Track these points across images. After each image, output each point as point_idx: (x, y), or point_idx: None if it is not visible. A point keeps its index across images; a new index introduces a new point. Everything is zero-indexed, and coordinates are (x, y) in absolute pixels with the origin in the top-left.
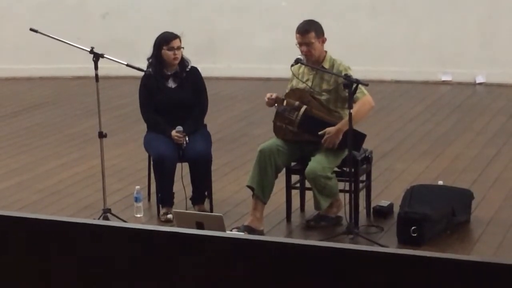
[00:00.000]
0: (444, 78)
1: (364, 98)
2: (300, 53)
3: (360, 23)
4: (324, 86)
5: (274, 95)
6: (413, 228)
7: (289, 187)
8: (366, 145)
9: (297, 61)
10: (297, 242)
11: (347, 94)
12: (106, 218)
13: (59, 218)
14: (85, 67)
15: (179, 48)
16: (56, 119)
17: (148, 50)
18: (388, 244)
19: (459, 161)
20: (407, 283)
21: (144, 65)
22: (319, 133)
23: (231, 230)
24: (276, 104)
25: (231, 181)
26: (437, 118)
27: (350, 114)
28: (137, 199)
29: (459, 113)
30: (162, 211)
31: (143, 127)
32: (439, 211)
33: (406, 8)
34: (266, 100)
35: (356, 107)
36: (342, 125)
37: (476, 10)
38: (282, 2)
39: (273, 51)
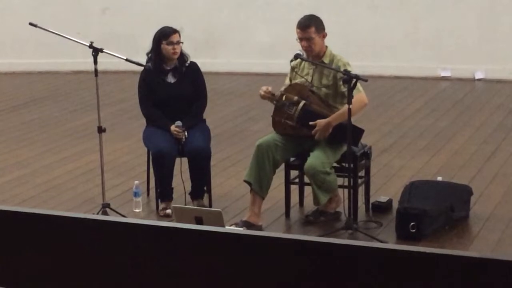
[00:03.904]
0: (444, 74)
1: (358, 95)
2: (300, 48)
3: (360, 18)
4: (324, 81)
5: (270, 88)
6: (412, 223)
7: (288, 182)
8: (365, 140)
9: (297, 56)
10: (296, 237)
11: (344, 90)
12: (105, 213)
13: (58, 212)
14: (84, 62)
15: (178, 42)
16: (55, 114)
17: (148, 45)
18: (386, 239)
19: (458, 157)
20: (406, 279)
21: (143, 60)
22: (310, 123)
23: (230, 226)
24: (274, 100)
25: (230, 176)
26: (436, 114)
27: (350, 109)
28: (136, 194)
29: (458, 109)
30: (161, 206)
31: (142, 121)
32: (438, 207)
33: (406, 3)
34: (262, 93)
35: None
36: (333, 118)
37: (475, 5)
38: None
39: (273, 46)
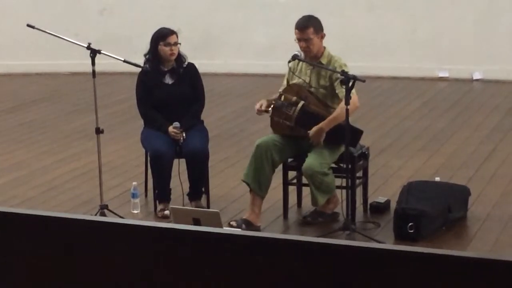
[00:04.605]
0: (441, 74)
1: (351, 98)
2: (297, 48)
3: (358, 19)
4: (321, 82)
5: (263, 106)
6: (409, 224)
7: (286, 183)
8: (363, 141)
9: (294, 57)
10: (294, 238)
11: (337, 91)
12: (103, 214)
13: (56, 214)
14: (82, 63)
15: (175, 43)
16: (53, 115)
17: (145, 46)
18: (384, 240)
19: (456, 157)
20: (404, 279)
21: (141, 61)
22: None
23: (229, 223)
24: (271, 107)
25: (228, 177)
26: (434, 114)
27: (347, 110)
28: (134, 195)
29: (456, 110)
30: (159, 207)
31: (140, 123)
32: (436, 207)
33: (403, 3)
34: (256, 111)
35: (340, 106)
36: (325, 124)
37: (473, 6)
38: None
39: (271, 47)
